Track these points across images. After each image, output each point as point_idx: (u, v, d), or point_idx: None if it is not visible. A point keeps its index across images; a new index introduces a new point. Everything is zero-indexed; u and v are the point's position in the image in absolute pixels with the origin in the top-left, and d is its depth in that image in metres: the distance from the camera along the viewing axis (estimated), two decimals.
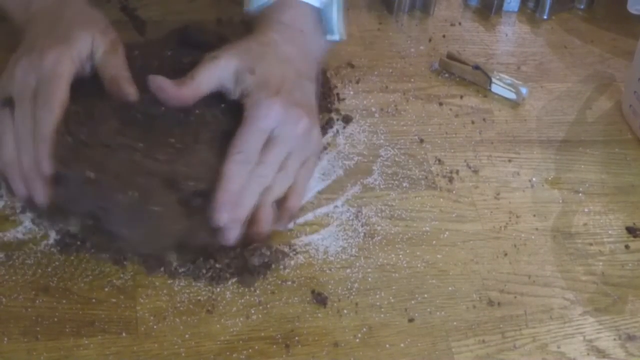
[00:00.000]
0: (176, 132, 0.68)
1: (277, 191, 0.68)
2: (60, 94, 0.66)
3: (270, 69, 0.69)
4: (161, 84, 0.67)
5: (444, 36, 0.96)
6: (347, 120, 0.82)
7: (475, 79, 0.89)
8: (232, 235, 0.65)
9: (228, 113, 0.71)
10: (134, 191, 0.63)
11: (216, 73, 0.68)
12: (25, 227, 0.68)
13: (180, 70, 0.73)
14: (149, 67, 0.73)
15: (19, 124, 0.65)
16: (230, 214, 0.65)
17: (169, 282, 0.66)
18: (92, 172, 0.64)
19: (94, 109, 0.67)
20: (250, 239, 0.67)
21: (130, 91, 0.67)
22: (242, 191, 0.65)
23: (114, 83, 0.68)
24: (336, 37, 0.78)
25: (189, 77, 0.68)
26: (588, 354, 0.65)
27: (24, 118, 0.65)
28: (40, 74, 0.66)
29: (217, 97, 0.72)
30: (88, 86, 0.68)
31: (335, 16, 0.77)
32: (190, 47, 0.77)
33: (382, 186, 0.76)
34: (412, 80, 0.89)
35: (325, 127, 0.80)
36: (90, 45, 0.69)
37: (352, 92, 0.86)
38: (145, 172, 0.64)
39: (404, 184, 0.77)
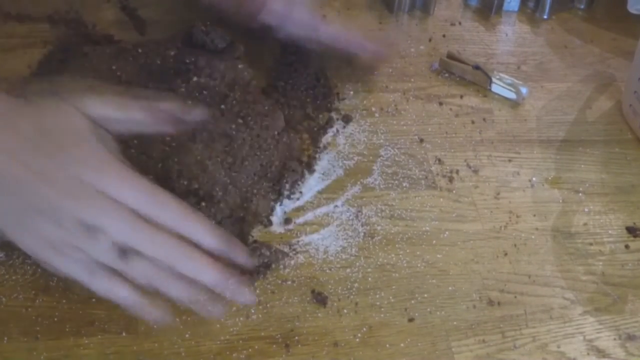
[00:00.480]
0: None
1: None
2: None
3: None
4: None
5: (444, 36, 0.96)
6: (347, 119, 0.82)
7: (476, 78, 0.89)
8: None
9: (227, 113, 0.71)
10: None
11: None
12: None
13: (182, 71, 0.73)
14: (151, 66, 0.74)
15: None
16: None
17: None
18: None
19: None
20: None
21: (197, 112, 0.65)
22: None
23: (153, 108, 0.62)
24: None
25: None
26: (588, 354, 0.65)
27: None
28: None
29: (218, 96, 0.72)
30: None
31: None
32: (194, 48, 0.77)
33: (382, 186, 0.76)
34: (412, 80, 0.89)
35: (325, 127, 0.80)
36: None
37: (352, 92, 0.86)
38: (139, 168, 0.65)
39: (404, 184, 0.77)
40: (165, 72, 0.73)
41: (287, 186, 0.73)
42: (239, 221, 0.68)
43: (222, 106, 0.71)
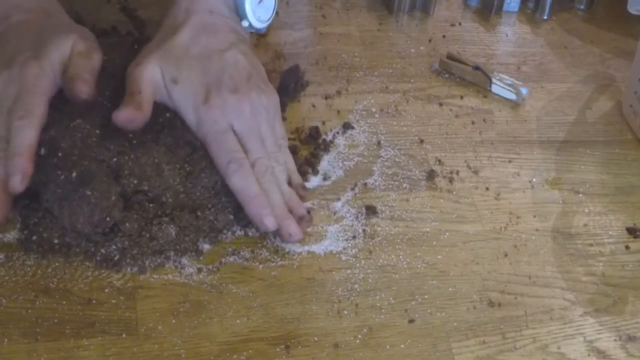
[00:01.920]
0: (139, 129, 0.68)
1: (281, 177, 0.70)
2: (39, 109, 0.66)
3: (192, 73, 0.70)
4: (124, 116, 0.67)
5: (444, 36, 0.96)
6: (346, 127, 0.81)
7: (476, 79, 0.89)
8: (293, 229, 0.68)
9: None
10: (75, 172, 0.64)
11: (150, 81, 0.69)
12: None
13: None
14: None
15: None
16: (271, 215, 0.67)
17: (169, 283, 0.66)
18: (45, 149, 0.65)
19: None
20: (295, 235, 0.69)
21: (83, 89, 0.67)
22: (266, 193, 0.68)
23: (70, 81, 0.68)
24: (245, 23, 0.78)
25: (136, 93, 0.68)
26: (588, 355, 0.65)
27: None
28: (19, 87, 0.66)
29: None
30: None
31: (248, 3, 0.77)
32: None
33: (382, 187, 0.76)
34: (412, 80, 0.89)
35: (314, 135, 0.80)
36: (69, 50, 0.69)
37: (352, 92, 0.86)
38: (93, 157, 0.65)
39: (404, 185, 0.77)
40: None
41: None
42: (189, 229, 0.68)
43: None
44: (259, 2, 0.78)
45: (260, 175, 0.69)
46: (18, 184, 0.63)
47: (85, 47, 0.70)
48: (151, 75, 0.69)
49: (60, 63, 0.68)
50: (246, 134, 0.69)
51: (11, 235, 0.67)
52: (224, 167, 0.68)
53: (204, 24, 0.74)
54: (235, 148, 0.68)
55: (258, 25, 0.79)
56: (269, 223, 0.67)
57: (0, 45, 0.70)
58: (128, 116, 0.67)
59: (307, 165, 0.76)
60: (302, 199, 0.72)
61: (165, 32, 0.74)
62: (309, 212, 0.72)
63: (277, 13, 0.94)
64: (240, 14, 0.78)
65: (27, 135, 0.64)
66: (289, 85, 0.83)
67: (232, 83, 0.70)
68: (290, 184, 0.72)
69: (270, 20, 0.81)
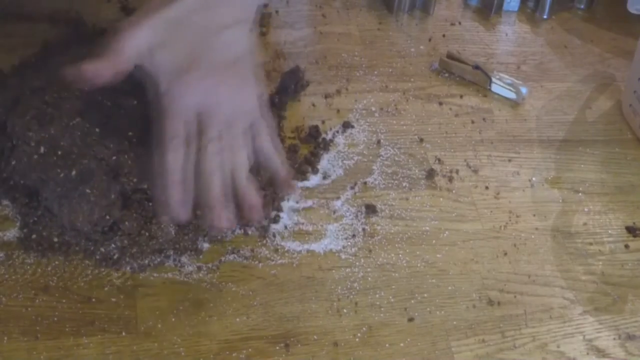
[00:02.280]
0: (138, 127, 0.68)
1: (238, 164, 0.66)
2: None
3: (180, 42, 0.66)
4: (77, 70, 0.63)
5: (444, 36, 0.96)
6: (346, 125, 0.81)
7: (475, 78, 0.89)
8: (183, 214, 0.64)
9: None
10: (75, 170, 0.64)
11: (134, 45, 0.65)
12: None
13: None
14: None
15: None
16: (184, 207, 0.64)
17: (169, 281, 0.66)
18: (45, 147, 0.65)
19: (64, 90, 0.68)
20: (247, 220, 0.67)
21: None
22: (203, 174, 0.64)
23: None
24: None
25: (110, 50, 0.64)
26: (588, 354, 0.65)
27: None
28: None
29: None
30: None
31: None
32: None
33: (382, 186, 0.76)
34: (412, 79, 0.89)
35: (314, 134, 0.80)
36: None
37: (352, 91, 0.86)
38: (92, 155, 0.65)
39: (404, 184, 0.77)
40: None
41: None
42: (189, 227, 0.68)
43: None
44: None
45: (208, 156, 0.65)
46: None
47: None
48: (137, 38, 0.66)
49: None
50: (209, 115, 0.66)
51: (11, 234, 0.67)
52: (163, 142, 0.64)
53: None
54: (183, 131, 0.65)
55: None
56: (176, 212, 0.64)
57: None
58: (96, 69, 0.63)
59: (306, 164, 0.77)
60: (289, 191, 0.71)
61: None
62: (277, 201, 0.71)
63: (277, 11, 0.94)
64: None
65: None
66: (289, 86, 0.83)
67: (217, 64, 0.67)
68: (277, 176, 0.69)
69: None
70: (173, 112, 0.65)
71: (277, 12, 0.94)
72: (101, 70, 0.63)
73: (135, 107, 0.69)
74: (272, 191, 0.71)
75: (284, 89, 0.83)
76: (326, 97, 0.85)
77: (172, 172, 0.63)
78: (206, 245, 0.69)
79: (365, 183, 0.76)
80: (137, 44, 0.65)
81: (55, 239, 0.66)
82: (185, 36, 0.67)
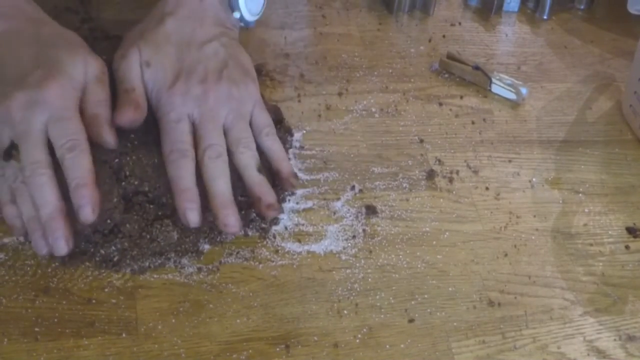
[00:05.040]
0: (141, 129, 0.68)
1: (246, 163, 0.68)
2: (82, 135, 0.64)
3: (166, 58, 0.70)
4: (127, 118, 0.67)
5: (444, 36, 0.96)
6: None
7: (475, 79, 0.89)
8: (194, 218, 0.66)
9: None
10: None
11: (134, 72, 0.69)
12: None
13: None
14: None
15: (33, 174, 0.62)
16: (196, 210, 0.66)
17: (169, 282, 0.66)
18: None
19: None
20: (263, 215, 0.69)
21: (110, 141, 0.66)
22: (208, 182, 0.66)
23: (93, 128, 0.66)
24: (237, 14, 0.78)
25: (130, 90, 0.68)
26: (588, 355, 0.65)
27: (39, 166, 0.62)
28: (49, 112, 0.63)
29: None
30: None
31: None
32: None
33: (382, 186, 0.76)
34: (412, 80, 0.89)
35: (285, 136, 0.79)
36: (83, 71, 0.67)
37: (352, 92, 0.86)
38: (95, 158, 0.65)
39: (404, 185, 0.77)
40: None
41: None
42: (190, 230, 0.68)
43: None
44: None
45: (210, 160, 0.67)
46: (90, 215, 0.62)
47: (98, 68, 0.68)
48: (132, 64, 0.69)
49: (79, 82, 0.66)
50: (203, 123, 0.68)
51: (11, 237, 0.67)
52: (166, 154, 0.67)
53: (193, 13, 0.74)
54: (182, 139, 0.67)
55: (249, 17, 0.80)
56: (191, 217, 0.65)
57: None
58: (129, 117, 0.67)
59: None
60: (293, 187, 0.72)
61: (152, 18, 0.74)
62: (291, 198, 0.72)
63: (278, 11, 0.94)
64: (232, 6, 0.78)
65: (83, 163, 0.63)
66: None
67: (203, 74, 0.70)
68: (280, 172, 0.71)
69: (260, 14, 0.82)
70: (166, 125, 0.68)
71: (278, 11, 0.94)
72: (132, 117, 0.67)
73: None
74: (276, 189, 0.71)
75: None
76: (326, 97, 0.85)
77: (179, 180, 0.66)
78: (207, 247, 0.69)
79: (365, 184, 0.76)
80: (136, 71, 0.69)
81: None
82: (168, 54, 0.71)
